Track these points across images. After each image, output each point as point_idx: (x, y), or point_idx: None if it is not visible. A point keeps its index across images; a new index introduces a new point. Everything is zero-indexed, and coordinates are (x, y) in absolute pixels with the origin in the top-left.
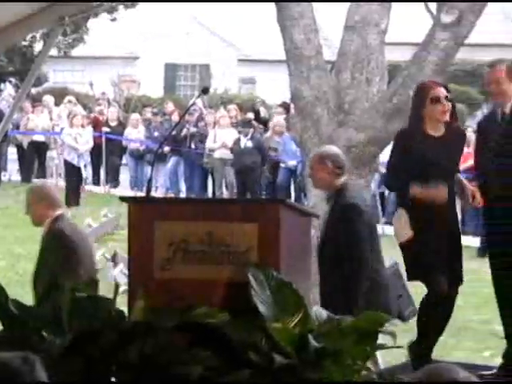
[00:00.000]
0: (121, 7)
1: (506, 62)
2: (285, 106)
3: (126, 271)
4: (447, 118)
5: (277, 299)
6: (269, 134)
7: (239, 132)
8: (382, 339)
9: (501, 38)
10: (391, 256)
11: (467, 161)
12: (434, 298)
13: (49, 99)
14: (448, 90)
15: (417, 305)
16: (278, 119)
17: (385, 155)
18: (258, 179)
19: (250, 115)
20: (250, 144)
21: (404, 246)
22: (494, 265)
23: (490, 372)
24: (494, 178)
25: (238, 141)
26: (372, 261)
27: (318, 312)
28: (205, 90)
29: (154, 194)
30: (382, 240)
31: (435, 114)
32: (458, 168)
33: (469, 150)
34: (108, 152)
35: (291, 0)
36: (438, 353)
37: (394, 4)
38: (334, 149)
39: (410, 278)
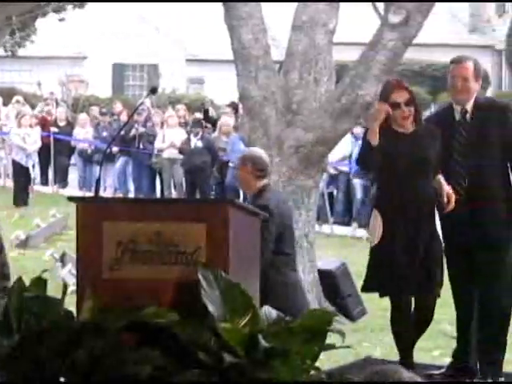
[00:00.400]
0: (69, 7)
1: (471, 59)
2: (233, 106)
3: (75, 271)
4: (408, 124)
5: (226, 299)
6: (216, 134)
7: (189, 132)
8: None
9: (448, 38)
10: (340, 256)
11: None
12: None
13: None
14: (411, 94)
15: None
16: (225, 119)
17: (333, 155)
18: (207, 179)
19: (200, 115)
20: (200, 144)
21: (372, 252)
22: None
23: (438, 371)
24: (460, 179)
25: (187, 141)
26: (279, 262)
27: (268, 312)
28: (153, 90)
29: (102, 194)
30: (331, 240)
31: (395, 119)
32: (432, 167)
33: None
34: (56, 152)
35: (242, 0)
36: (386, 352)
37: (342, 4)
38: (256, 151)
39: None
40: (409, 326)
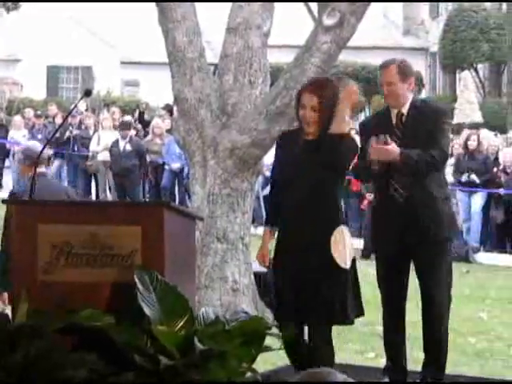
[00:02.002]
0: (2, 10)
1: (395, 61)
2: (168, 109)
3: None
4: (310, 130)
5: (162, 302)
6: (149, 136)
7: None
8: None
9: (382, 40)
10: None
11: None
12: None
13: None
14: (321, 100)
15: None
16: (157, 121)
17: (268, 157)
18: (137, 182)
19: (129, 117)
20: (128, 147)
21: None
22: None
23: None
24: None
25: (116, 143)
26: None
27: (206, 313)
28: (87, 92)
29: None
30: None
31: (302, 120)
32: (335, 176)
33: None
34: None
35: (185, 0)
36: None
37: (276, 6)
38: (27, 143)
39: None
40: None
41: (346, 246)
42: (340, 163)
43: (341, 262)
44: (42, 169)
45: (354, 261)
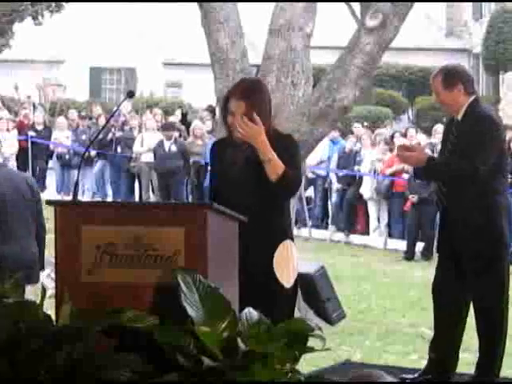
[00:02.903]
0: (46, 11)
1: (442, 69)
2: (210, 110)
3: (54, 275)
4: (238, 134)
5: (205, 303)
6: (191, 138)
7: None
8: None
9: (425, 42)
10: (318, 259)
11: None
12: None
13: None
14: (250, 105)
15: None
16: (197, 123)
17: (311, 159)
18: (182, 183)
19: (174, 118)
20: (173, 148)
21: None
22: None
23: (411, 375)
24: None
25: (161, 144)
26: None
27: (249, 314)
28: (130, 94)
29: (80, 198)
30: (309, 243)
31: (232, 129)
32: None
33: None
34: (34, 156)
35: (223, 0)
36: (366, 356)
37: (319, 8)
38: None
39: None
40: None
41: (290, 263)
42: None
43: (283, 280)
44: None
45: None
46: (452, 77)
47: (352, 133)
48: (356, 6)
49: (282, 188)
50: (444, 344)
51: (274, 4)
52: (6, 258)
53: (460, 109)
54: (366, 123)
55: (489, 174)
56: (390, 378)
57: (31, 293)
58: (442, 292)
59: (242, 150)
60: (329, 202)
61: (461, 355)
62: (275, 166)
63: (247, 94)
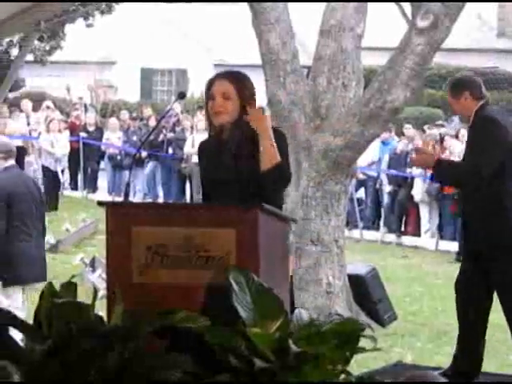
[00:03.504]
0: (97, 13)
1: (449, 83)
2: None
3: (105, 276)
4: (222, 119)
5: (257, 304)
6: None
7: None
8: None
9: (476, 42)
10: (369, 261)
11: None
12: None
13: (27, 104)
14: (238, 86)
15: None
16: None
17: (362, 160)
18: None
19: None
20: None
21: None
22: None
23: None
24: None
25: None
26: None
27: (300, 315)
28: (181, 95)
29: (131, 199)
30: (360, 244)
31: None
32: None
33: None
34: (86, 157)
35: (273, 0)
36: (417, 358)
37: (369, 9)
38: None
39: None
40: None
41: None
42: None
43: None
44: (13, 161)
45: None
46: (457, 86)
47: (403, 134)
48: (407, 6)
49: (273, 178)
50: (470, 343)
51: (324, 4)
52: (22, 255)
53: (470, 115)
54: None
55: (498, 174)
56: (443, 380)
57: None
58: (463, 291)
59: (227, 149)
60: (380, 204)
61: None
62: (273, 155)
63: (231, 74)
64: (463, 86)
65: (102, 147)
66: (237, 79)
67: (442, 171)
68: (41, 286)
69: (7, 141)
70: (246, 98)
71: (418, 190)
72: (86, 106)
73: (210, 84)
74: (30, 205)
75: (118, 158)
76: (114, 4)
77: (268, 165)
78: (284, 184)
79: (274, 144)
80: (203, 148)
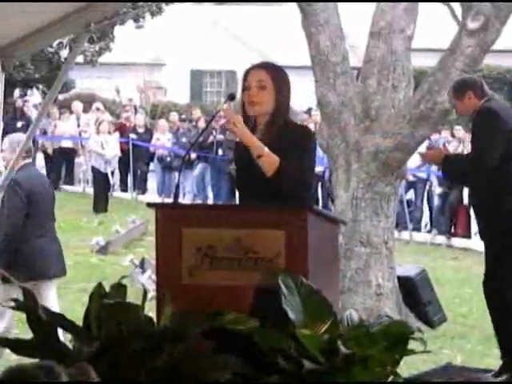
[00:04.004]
0: (147, 14)
1: (453, 84)
2: (309, 113)
3: (155, 277)
4: (258, 110)
5: (306, 305)
6: None
7: None
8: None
9: None
10: (419, 262)
11: None
12: None
13: (78, 105)
14: (274, 75)
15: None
16: None
17: (412, 162)
18: None
19: None
20: None
21: None
22: None
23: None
24: None
25: None
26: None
27: (350, 316)
28: (231, 97)
29: (181, 200)
30: (410, 246)
31: (245, 105)
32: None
33: None
34: (135, 158)
35: (313, 0)
36: (467, 360)
37: (420, 10)
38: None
39: None
40: None
41: None
42: None
43: None
44: (30, 159)
45: None
46: (460, 87)
47: (453, 136)
48: (457, 7)
49: (279, 183)
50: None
51: (374, 6)
52: (41, 251)
53: (472, 114)
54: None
55: (502, 161)
56: (497, 381)
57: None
58: (485, 292)
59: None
60: (430, 205)
61: None
62: (268, 163)
63: (268, 64)
64: (466, 86)
65: (152, 149)
66: (273, 70)
67: (448, 165)
68: (61, 280)
69: (24, 138)
70: (281, 89)
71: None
72: (135, 107)
73: (246, 74)
74: (47, 202)
75: (168, 159)
76: (163, 6)
77: (269, 172)
78: (293, 183)
79: (265, 151)
80: (238, 146)
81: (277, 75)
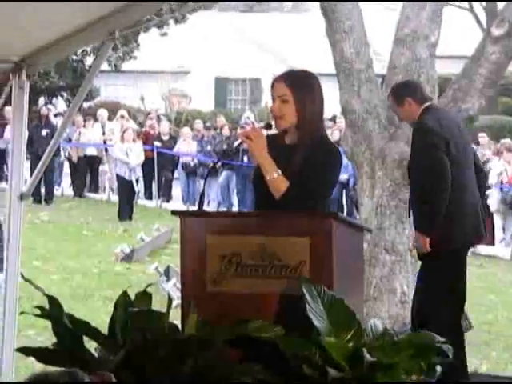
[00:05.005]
0: (171, 22)
1: (391, 89)
2: (334, 120)
3: (179, 285)
4: (282, 124)
5: (330, 314)
6: None
7: None
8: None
9: None
10: None
11: None
12: None
13: (103, 113)
14: (293, 90)
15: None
16: None
17: None
18: None
19: None
20: None
21: None
22: None
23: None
24: None
25: None
26: None
27: (374, 325)
28: (268, 126)
29: (206, 208)
30: None
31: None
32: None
33: None
34: (160, 166)
35: (328, 0)
36: (493, 368)
37: (444, 17)
38: None
39: None
40: None
41: None
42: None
43: None
44: None
45: None
46: (399, 93)
47: (478, 143)
48: (481, 14)
49: (283, 207)
50: None
51: (398, 13)
52: None
53: (415, 119)
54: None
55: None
56: None
57: None
58: None
59: (284, 151)
60: None
61: None
62: (274, 187)
63: (289, 76)
64: (405, 93)
65: (176, 156)
66: (295, 81)
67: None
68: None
69: None
70: (303, 101)
71: (494, 200)
72: (160, 115)
73: (272, 86)
74: None
75: (192, 167)
76: (187, 13)
77: (276, 195)
78: (299, 206)
79: (276, 174)
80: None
81: (298, 87)
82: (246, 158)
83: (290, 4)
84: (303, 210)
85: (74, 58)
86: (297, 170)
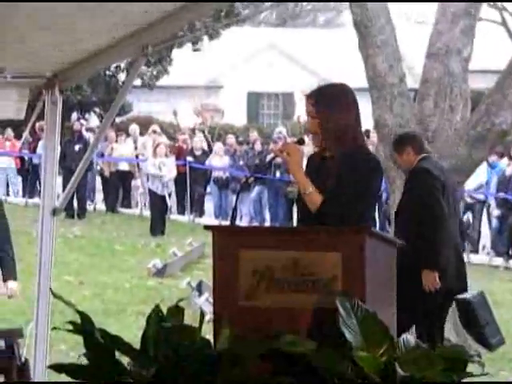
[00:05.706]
0: (205, 38)
1: (395, 136)
2: (367, 134)
3: (212, 300)
4: (313, 141)
5: (363, 328)
6: None
7: None
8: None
9: None
10: (477, 284)
11: None
12: None
13: (135, 128)
14: (316, 106)
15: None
16: None
17: (469, 183)
18: None
19: None
20: None
21: None
22: None
23: None
24: None
25: None
26: None
27: (406, 339)
28: (300, 141)
29: (238, 222)
30: (467, 268)
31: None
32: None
33: None
34: (192, 181)
35: (331, 0)
36: None
37: (477, 31)
38: None
39: None
40: None
41: None
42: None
43: None
44: None
45: None
46: (401, 142)
47: (510, 157)
48: None
49: (320, 220)
50: None
51: (431, 28)
52: None
53: (411, 168)
54: None
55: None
56: None
57: None
58: None
59: (324, 164)
60: (487, 227)
61: None
62: (309, 201)
63: (312, 93)
64: (406, 143)
65: (208, 171)
66: (317, 96)
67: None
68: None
69: None
70: (325, 117)
71: None
72: (192, 130)
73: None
74: None
75: (224, 181)
76: (220, 29)
77: (312, 208)
78: (337, 222)
79: (310, 189)
80: (308, 163)
81: (321, 101)
82: (278, 173)
83: (322, 19)
84: (336, 225)
85: (107, 73)
86: (333, 182)
